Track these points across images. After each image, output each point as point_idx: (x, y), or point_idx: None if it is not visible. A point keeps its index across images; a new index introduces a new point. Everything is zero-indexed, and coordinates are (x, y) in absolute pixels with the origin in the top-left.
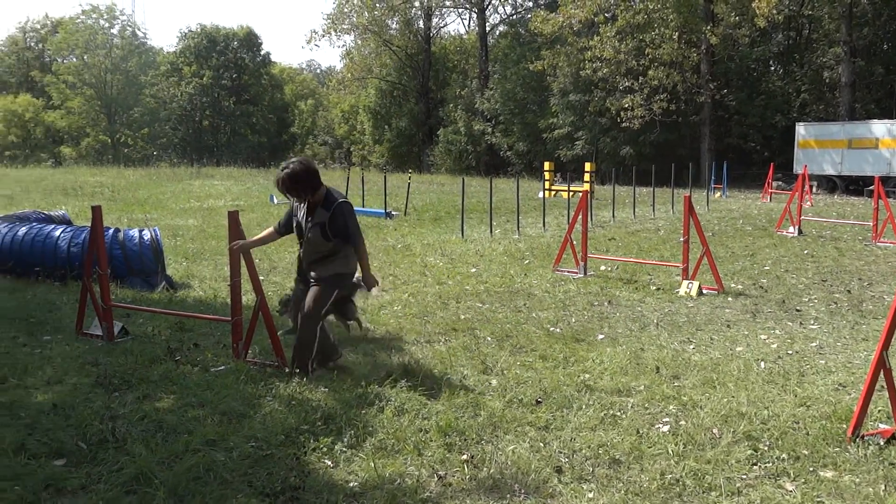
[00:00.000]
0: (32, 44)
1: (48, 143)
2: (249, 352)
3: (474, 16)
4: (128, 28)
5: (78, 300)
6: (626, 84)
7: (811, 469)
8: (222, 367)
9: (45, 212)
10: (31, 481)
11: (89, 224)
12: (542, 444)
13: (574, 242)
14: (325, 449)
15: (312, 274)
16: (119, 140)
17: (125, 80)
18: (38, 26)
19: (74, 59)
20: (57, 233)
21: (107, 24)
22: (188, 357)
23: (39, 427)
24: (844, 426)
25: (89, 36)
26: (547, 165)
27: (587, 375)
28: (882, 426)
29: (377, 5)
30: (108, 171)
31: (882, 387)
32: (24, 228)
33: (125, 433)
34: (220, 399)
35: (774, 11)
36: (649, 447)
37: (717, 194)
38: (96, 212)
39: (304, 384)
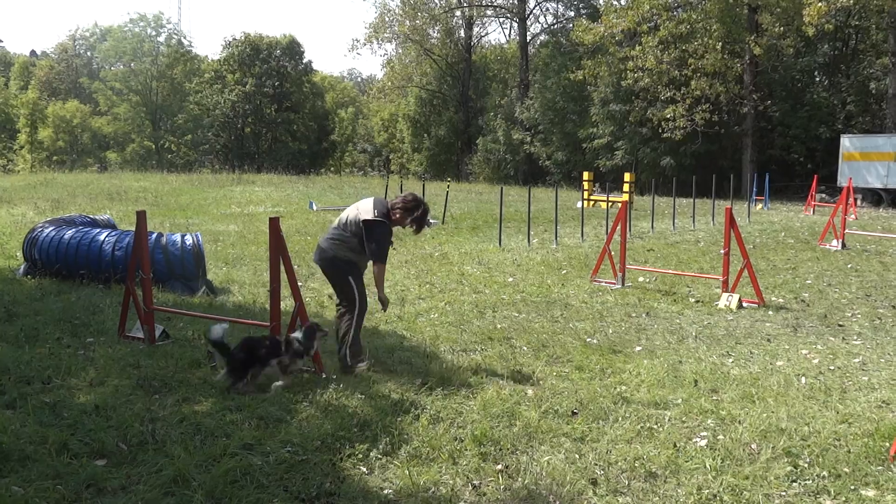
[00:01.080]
0: (81, 51)
1: (94, 148)
2: None
3: (515, 25)
4: (174, 36)
5: (121, 303)
6: (668, 94)
7: (852, 488)
8: None
9: (91, 216)
10: (72, 480)
11: (133, 228)
12: (577, 456)
13: (612, 253)
14: (360, 455)
15: None
16: (163, 146)
17: (170, 88)
18: (88, 34)
19: (122, 66)
20: (102, 237)
21: (153, 33)
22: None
23: (81, 427)
24: (887, 445)
25: (136, 44)
26: (586, 175)
27: (624, 387)
28: None
29: (419, 14)
30: (151, 177)
31: None
32: (70, 232)
33: (164, 435)
34: (258, 403)
35: (823, 20)
36: (686, 461)
37: (759, 206)
38: (140, 217)
39: (340, 391)
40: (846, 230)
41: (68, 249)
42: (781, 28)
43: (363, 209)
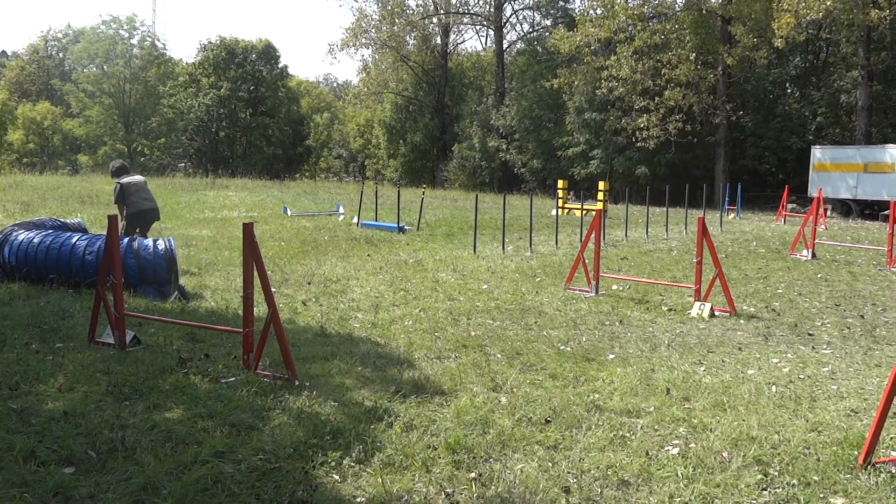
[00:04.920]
0: (53, 52)
1: (66, 150)
2: (260, 364)
3: (491, 33)
4: (147, 39)
5: (91, 308)
6: (642, 104)
7: (821, 496)
8: (232, 379)
9: (62, 219)
10: (39, 489)
11: (104, 232)
12: (550, 464)
13: (586, 261)
14: (333, 463)
15: None
16: (136, 149)
17: (143, 91)
18: (60, 35)
19: (94, 69)
20: (72, 241)
21: (127, 35)
22: (199, 367)
23: (49, 434)
24: (856, 453)
25: (109, 46)
26: (561, 183)
27: (597, 395)
28: (894, 454)
29: (396, 20)
30: None
31: (895, 414)
32: (39, 235)
33: (134, 442)
34: (230, 410)
35: (794, 33)
36: (658, 469)
37: (731, 216)
38: (112, 221)
39: (313, 398)
40: (816, 240)
41: (38, 253)
42: (754, 39)
43: None
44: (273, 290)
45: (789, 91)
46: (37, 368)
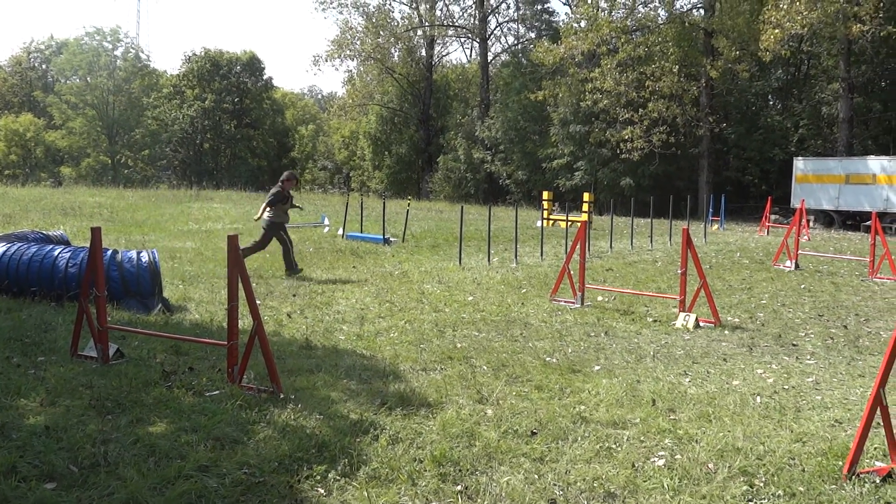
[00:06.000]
0: (36, 64)
1: (48, 162)
2: (244, 377)
3: (476, 45)
4: (131, 50)
5: (73, 321)
6: (626, 116)
7: None
8: (217, 392)
9: (44, 231)
10: None
11: (87, 245)
12: (536, 476)
13: (571, 272)
14: (318, 477)
15: None
16: (119, 161)
17: (127, 102)
18: (43, 47)
19: (77, 80)
20: (55, 253)
21: (110, 46)
22: (183, 381)
23: (31, 449)
24: (840, 463)
25: (93, 57)
26: (546, 195)
27: (583, 407)
28: (878, 464)
29: (380, 32)
30: (107, 192)
31: (878, 424)
32: (21, 248)
33: (117, 457)
34: (214, 424)
35: (779, 47)
36: (644, 481)
37: (715, 227)
38: (95, 233)
39: (298, 411)
40: (799, 251)
41: (20, 266)
42: (737, 52)
43: None
44: (258, 302)
45: (772, 103)
46: (18, 382)
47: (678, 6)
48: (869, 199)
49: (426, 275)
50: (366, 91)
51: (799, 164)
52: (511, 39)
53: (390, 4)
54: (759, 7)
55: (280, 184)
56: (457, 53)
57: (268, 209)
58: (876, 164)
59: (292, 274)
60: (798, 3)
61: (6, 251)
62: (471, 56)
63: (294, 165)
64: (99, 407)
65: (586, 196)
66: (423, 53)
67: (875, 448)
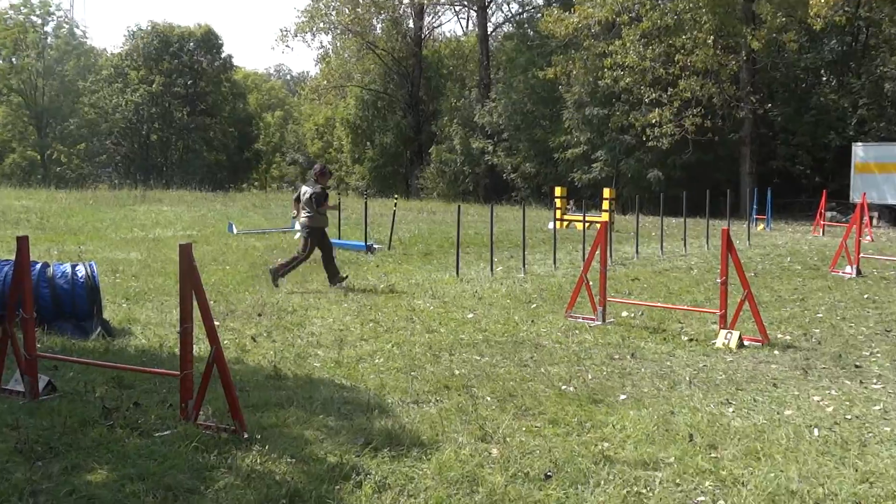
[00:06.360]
0: None
1: None
2: (201, 413)
3: (473, 14)
4: (64, 26)
5: None
6: (653, 96)
7: None
8: (168, 432)
9: None
10: None
11: (13, 257)
12: None
13: (590, 283)
14: None
15: None
16: (51, 157)
17: (60, 87)
18: None
19: (0, 62)
20: None
21: (39, 21)
22: (127, 419)
23: None
24: None
25: (18, 34)
26: (558, 191)
27: (606, 444)
28: None
29: (360, 1)
30: (36, 194)
31: None
32: None
33: None
34: (165, 470)
35: (832, 12)
36: None
37: (760, 227)
38: (22, 243)
39: (265, 453)
40: (861, 254)
41: None
42: (783, 19)
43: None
44: (217, 323)
45: (825, 79)
46: None
47: None
48: None
49: (417, 288)
50: (343, 70)
51: (859, 150)
52: (515, 7)
53: None
54: None
55: (315, 180)
56: (451, 24)
57: (308, 210)
58: None
59: (336, 284)
60: None
61: None
62: (467, 28)
63: (259, 160)
64: (27, 451)
65: (607, 192)
66: (411, 25)
67: None
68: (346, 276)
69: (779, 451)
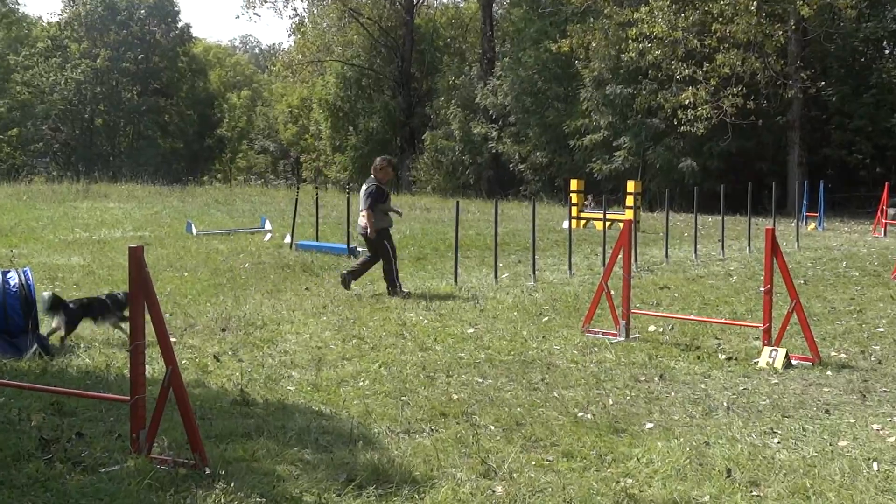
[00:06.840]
0: None
1: None
2: (155, 445)
3: None
4: None
5: None
6: (686, 72)
7: None
8: (116, 467)
9: None
10: None
11: None
12: None
13: (612, 293)
14: None
15: None
16: None
17: None
18: None
19: None
20: None
21: None
22: (68, 452)
23: None
24: None
25: None
26: (575, 184)
27: (630, 480)
28: None
29: None
30: None
31: None
32: None
33: None
34: None
35: None
36: None
37: (811, 226)
38: None
39: (231, 491)
40: None
41: None
42: None
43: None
44: (173, 339)
45: (888, 52)
46: None
47: None
48: None
49: (409, 298)
50: (321, 42)
51: None
52: None
53: None
54: None
55: (373, 175)
56: None
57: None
58: None
59: (397, 294)
60: None
61: None
62: None
63: (222, 148)
64: None
65: (631, 185)
66: None
67: None
68: (409, 294)
69: (831, 488)
